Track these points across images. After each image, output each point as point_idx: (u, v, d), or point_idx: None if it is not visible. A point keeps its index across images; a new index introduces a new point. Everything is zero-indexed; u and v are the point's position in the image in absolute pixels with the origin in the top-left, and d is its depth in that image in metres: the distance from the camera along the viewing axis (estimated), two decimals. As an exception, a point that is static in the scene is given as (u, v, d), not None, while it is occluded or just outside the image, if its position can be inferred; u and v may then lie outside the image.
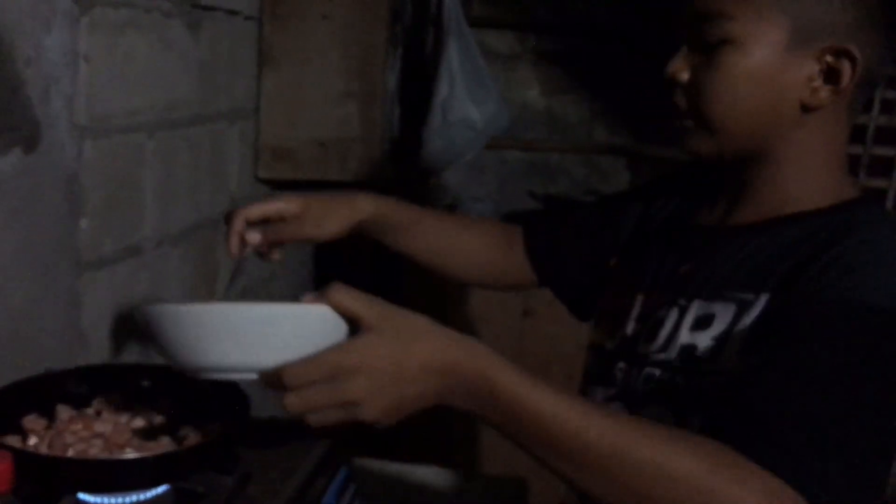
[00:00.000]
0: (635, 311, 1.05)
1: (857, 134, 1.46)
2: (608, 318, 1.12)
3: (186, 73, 1.68)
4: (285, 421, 1.15)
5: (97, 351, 1.41)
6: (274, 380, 0.77)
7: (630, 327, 1.05)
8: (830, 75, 0.90)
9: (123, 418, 1.10)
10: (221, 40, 1.82)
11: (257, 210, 1.14)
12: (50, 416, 1.08)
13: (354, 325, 0.78)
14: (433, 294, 2.20)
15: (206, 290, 1.85)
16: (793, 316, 0.83)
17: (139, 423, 1.10)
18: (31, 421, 1.06)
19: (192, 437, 1.06)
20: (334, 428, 0.80)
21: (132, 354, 1.50)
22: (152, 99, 1.57)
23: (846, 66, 0.89)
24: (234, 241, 1.15)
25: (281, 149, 2.03)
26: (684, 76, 0.95)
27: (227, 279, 1.90)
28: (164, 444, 1.05)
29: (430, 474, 1.46)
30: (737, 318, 0.90)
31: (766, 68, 0.90)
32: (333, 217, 1.18)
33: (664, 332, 0.98)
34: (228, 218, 1.15)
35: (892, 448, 0.80)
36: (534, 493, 1.50)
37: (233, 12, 1.85)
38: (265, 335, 0.77)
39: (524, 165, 3.11)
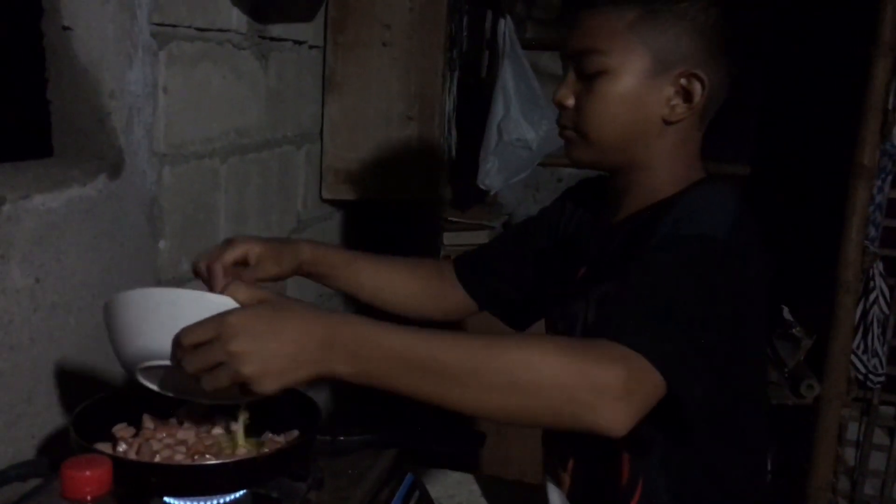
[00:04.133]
0: (559, 313, 1.23)
1: None
2: (549, 325, 1.29)
3: (256, 100, 1.76)
4: (355, 431, 1.20)
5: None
6: (176, 349, 0.88)
7: (559, 326, 1.23)
8: (685, 95, 1.09)
9: (204, 427, 1.16)
10: (288, 69, 1.89)
11: (230, 256, 1.17)
12: (137, 425, 1.13)
13: None
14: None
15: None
16: (645, 253, 1.00)
17: (218, 431, 1.15)
18: (121, 429, 1.11)
19: (268, 445, 1.11)
20: (226, 394, 0.89)
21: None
22: (225, 126, 1.65)
23: (697, 87, 1.09)
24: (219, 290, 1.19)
25: (344, 170, 2.10)
26: (570, 102, 1.14)
27: (295, 295, 1.96)
28: (243, 452, 1.10)
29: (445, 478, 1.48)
30: None
31: (635, 92, 1.09)
32: (285, 260, 1.24)
33: (580, 320, 1.15)
34: (198, 269, 1.17)
35: (720, 332, 0.96)
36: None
37: (299, 42, 1.93)
38: (174, 317, 0.88)
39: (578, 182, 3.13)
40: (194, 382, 0.89)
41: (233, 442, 1.09)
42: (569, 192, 1.39)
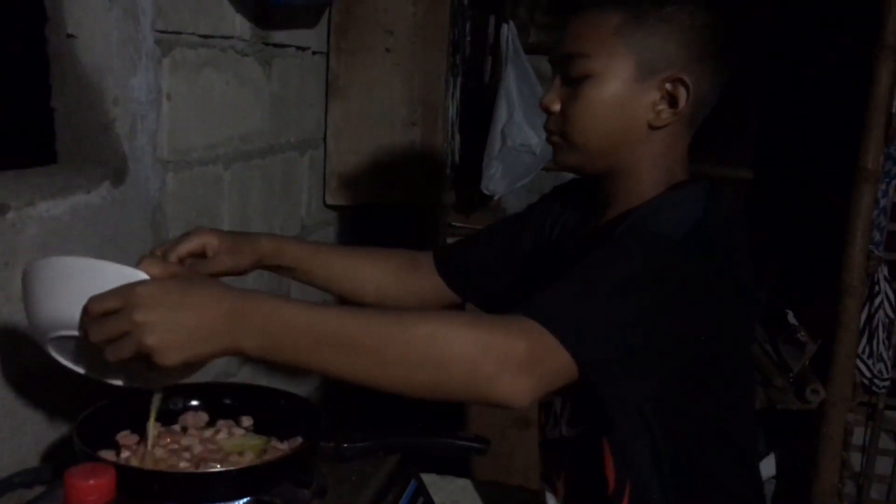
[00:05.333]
0: None
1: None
2: None
3: (260, 106, 1.77)
4: (359, 438, 1.20)
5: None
6: (84, 317, 0.87)
7: None
8: (670, 100, 1.08)
9: (208, 433, 1.16)
10: (292, 75, 1.90)
11: (185, 247, 1.17)
12: (141, 432, 1.13)
13: None
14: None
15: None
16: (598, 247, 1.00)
17: (223, 437, 1.16)
18: (124, 437, 1.12)
19: (271, 452, 1.12)
20: (132, 368, 0.90)
21: (213, 371, 1.57)
22: (229, 132, 1.65)
23: (682, 92, 1.07)
24: None
25: (347, 176, 2.10)
26: (556, 107, 1.13)
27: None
28: (246, 459, 1.10)
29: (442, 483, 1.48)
30: None
31: (620, 97, 1.08)
32: (243, 253, 1.23)
33: None
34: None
35: (657, 330, 0.95)
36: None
37: (302, 48, 1.94)
38: (86, 287, 0.87)
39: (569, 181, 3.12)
40: (102, 357, 0.88)
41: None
42: (558, 191, 1.36)
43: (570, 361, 0.88)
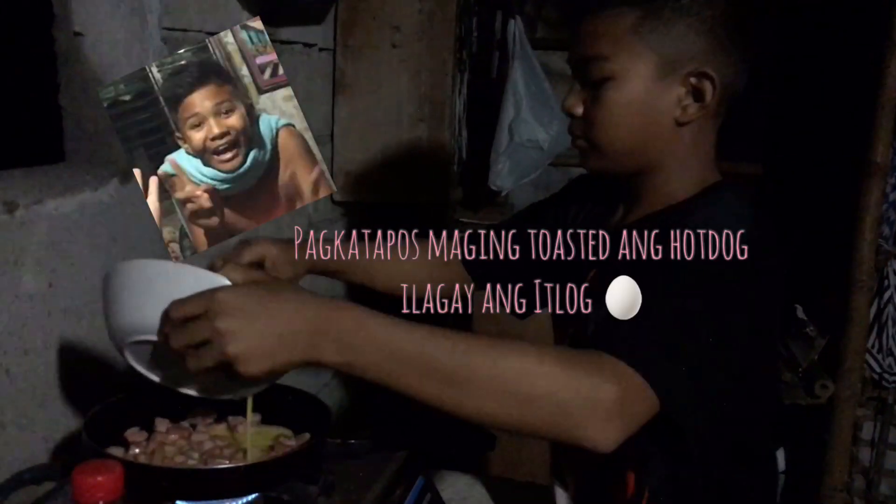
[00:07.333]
0: (570, 315, 1.15)
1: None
2: (557, 325, 1.26)
3: (266, 103, 1.76)
4: (366, 434, 1.20)
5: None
6: (165, 323, 0.86)
7: (570, 329, 1.18)
8: (696, 94, 1.05)
9: (216, 430, 1.16)
10: (299, 71, 1.90)
11: (247, 257, 1.18)
12: (150, 428, 1.14)
13: None
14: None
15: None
16: (659, 269, 0.97)
17: (232, 432, 1.16)
18: (133, 433, 1.12)
19: (279, 448, 1.12)
20: (209, 377, 0.87)
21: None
22: (235, 129, 1.64)
23: (708, 86, 1.04)
24: None
25: (355, 172, 2.11)
26: (578, 110, 1.11)
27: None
28: (254, 455, 1.10)
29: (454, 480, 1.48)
30: None
31: (643, 97, 1.05)
32: (299, 262, 1.24)
33: (591, 325, 1.07)
34: (215, 268, 1.16)
35: (730, 358, 0.95)
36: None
37: (308, 45, 1.94)
38: (166, 291, 0.86)
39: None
40: (181, 365, 0.86)
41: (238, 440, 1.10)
42: (583, 179, 1.33)
43: (656, 403, 0.87)
